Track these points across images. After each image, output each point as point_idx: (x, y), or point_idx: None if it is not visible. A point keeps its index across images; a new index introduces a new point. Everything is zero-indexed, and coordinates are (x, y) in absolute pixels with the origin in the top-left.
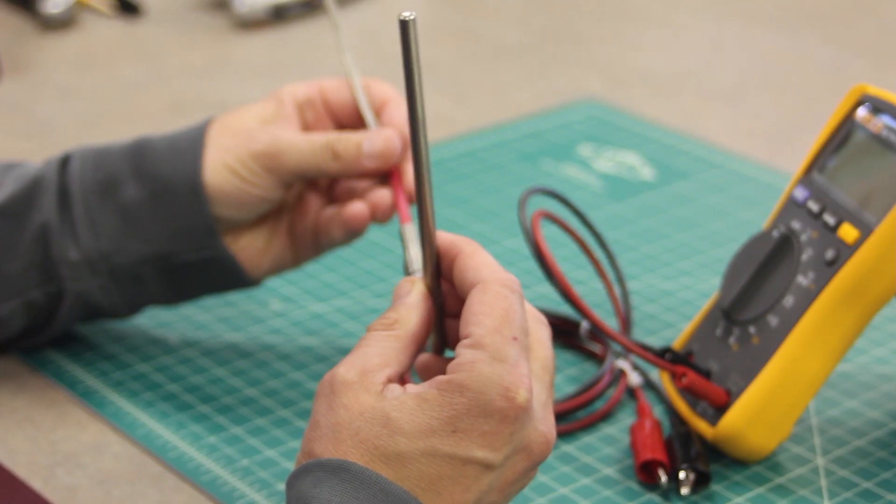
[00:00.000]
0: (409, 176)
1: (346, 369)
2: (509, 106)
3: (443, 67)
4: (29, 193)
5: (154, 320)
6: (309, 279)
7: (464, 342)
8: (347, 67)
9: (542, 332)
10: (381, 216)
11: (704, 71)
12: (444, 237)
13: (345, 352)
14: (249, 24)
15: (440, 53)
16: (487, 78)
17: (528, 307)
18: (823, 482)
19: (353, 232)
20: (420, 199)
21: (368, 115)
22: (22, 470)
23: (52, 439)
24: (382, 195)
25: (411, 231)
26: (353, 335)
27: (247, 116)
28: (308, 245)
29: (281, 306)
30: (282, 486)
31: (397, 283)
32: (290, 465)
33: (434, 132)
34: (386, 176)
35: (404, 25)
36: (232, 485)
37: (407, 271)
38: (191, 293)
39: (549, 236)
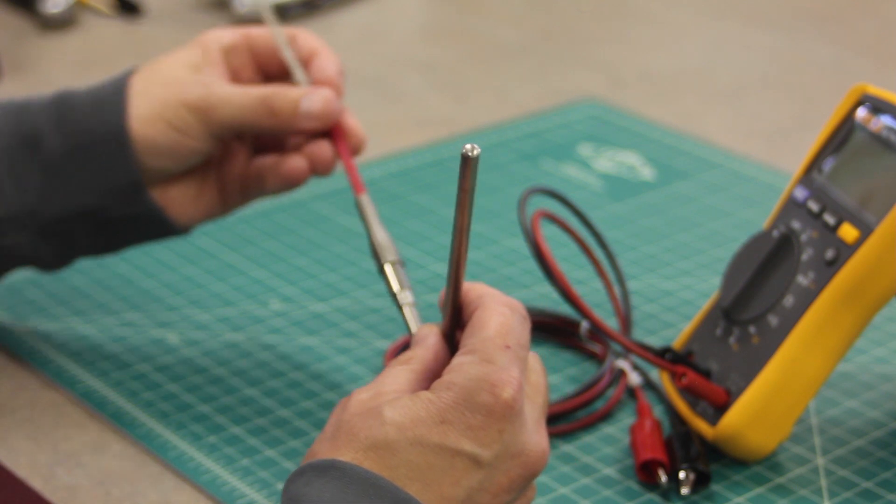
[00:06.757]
0: (355, 131)
1: (361, 391)
2: (509, 106)
3: (443, 67)
4: None
5: (154, 320)
6: (309, 279)
7: (459, 352)
8: (270, 20)
9: (533, 361)
10: (322, 170)
11: (704, 71)
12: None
13: (345, 352)
14: (249, 24)
15: (440, 53)
16: (487, 78)
17: None
18: (823, 482)
19: (290, 185)
20: (455, 267)
21: (298, 73)
22: (22, 470)
23: (52, 439)
24: (322, 148)
25: (369, 204)
26: (353, 335)
27: (174, 64)
28: (236, 194)
29: (281, 306)
30: (282, 486)
31: (417, 329)
32: (290, 465)
33: (434, 132)
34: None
35: (465, 160)
36: (232, 485)
37: (377, 257)
38: (121, 245)
39: (549, 236)
